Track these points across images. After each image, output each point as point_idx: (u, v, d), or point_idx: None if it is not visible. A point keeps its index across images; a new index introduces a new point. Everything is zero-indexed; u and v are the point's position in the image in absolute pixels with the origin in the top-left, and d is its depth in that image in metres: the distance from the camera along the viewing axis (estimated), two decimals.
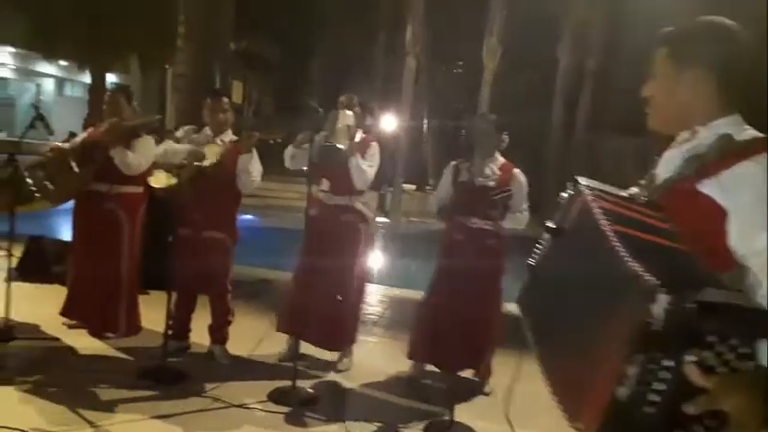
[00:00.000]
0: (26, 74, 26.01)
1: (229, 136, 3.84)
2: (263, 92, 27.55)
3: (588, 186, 1.24)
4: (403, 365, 4.03)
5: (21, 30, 19.36)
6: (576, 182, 1.28)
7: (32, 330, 4.02)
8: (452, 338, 3.50)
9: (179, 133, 3.87)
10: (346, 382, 3.83)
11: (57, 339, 3.92)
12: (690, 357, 0.93)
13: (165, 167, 3.70)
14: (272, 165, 3.91)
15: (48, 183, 3.64)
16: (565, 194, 1.31)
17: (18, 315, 3.88)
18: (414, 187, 22.40)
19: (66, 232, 4.96)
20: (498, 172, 3.71)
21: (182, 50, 6.56)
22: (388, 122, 16.50)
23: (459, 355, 3.58)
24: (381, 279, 6.42)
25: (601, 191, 1.24)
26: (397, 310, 5.75)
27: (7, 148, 4.21)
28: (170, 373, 3.50)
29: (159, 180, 3.71)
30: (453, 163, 3.89)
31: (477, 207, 3.60)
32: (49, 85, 27.55)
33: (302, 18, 20.20)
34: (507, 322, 3.53)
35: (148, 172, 3.92)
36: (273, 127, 3.70)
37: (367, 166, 3.82)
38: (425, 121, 22.06)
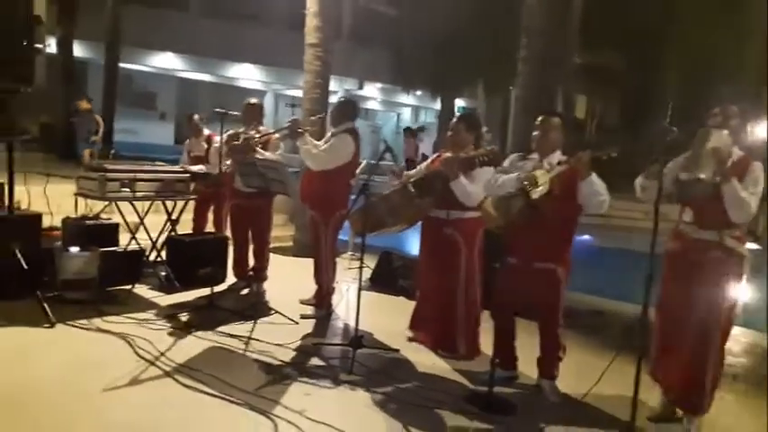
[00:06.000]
0: (389, 105, 30.43)
1: (557, 157, 3.56)
2: (607, 105, 26.28)
3: None
4: None
5: (386, 68, 22.44)
6: None
7: (377, 340, 4.40)
8: None
9: (505, 163, 3.76)
10: None
11: (397, 351, 4.21)
12: None
13: (494, 199, 3.66)
14: (614, 181, 3.51)
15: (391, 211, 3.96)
16: None
17: (366, 324, 4.30)
18: None
19: (415, 248, 5.39)
20: None
21: (522, 72, 6.54)
22: (763, 128, 13.90)
23: None
24: (751, 322, 5.28)
25: None
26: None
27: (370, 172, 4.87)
28: (497, 403, 3.41)
29: (489, 218, 3.70)
30: None
31: None
32: (406, 114, 31.73)
33: (650, 23, 18.56)
34: None
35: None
36: (615, 141, 3.26)
37: (747, 194, 3.04)
38: None
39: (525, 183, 3.40)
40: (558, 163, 3.49)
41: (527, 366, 3.85)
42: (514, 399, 3.54)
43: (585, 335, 4.80)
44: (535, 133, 3.64)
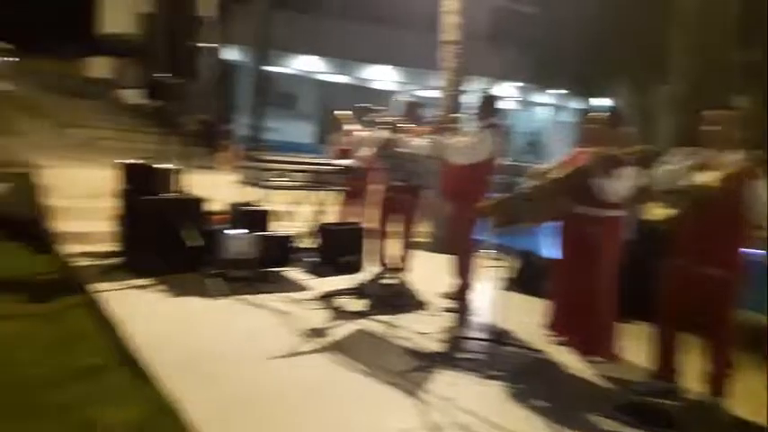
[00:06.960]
0: (525, 105, 29.72)
1: (735, 155, 3.22)
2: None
3: None
4: None
5: (523, 66, 21.94)
6: None
7: (519, 339, 4.31)
8: None
9: (673, 158, 3.50)
10: None
11: (540, 351, 4.11)
12: None
13: (659, 194, 3.45)
14: None
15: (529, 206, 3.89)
16: None
17: (508, 322, 4.26)
18: None
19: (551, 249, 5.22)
20: None
21: (676, 68, 6.13)
22: None
23: None
24: None
25: None
26: None
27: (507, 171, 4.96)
28: (655, 415, 3.21)
29: (655, 212, 3.49)
30: None
31: None
32: (544, 114, 30.82)
33: None
34: None
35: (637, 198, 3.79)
36: None
37: None
38: None
39: (688, 183, 3.18)
40: (736, 162, 3.19)
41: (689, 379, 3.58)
42: (676, 412, 3.31)
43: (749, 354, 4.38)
44: (707, 128, 3.36)
